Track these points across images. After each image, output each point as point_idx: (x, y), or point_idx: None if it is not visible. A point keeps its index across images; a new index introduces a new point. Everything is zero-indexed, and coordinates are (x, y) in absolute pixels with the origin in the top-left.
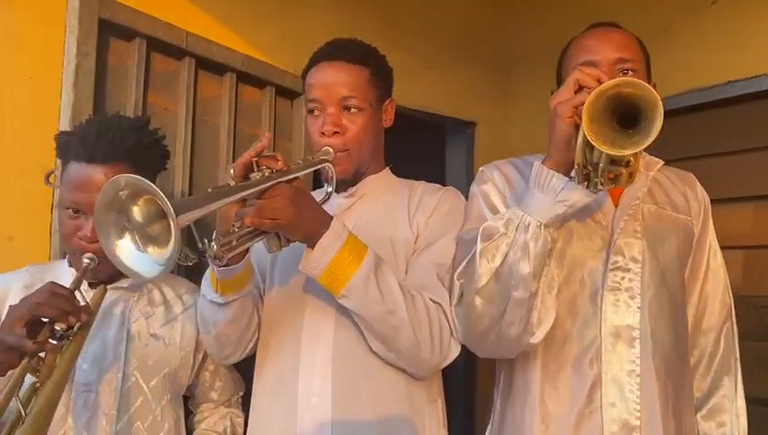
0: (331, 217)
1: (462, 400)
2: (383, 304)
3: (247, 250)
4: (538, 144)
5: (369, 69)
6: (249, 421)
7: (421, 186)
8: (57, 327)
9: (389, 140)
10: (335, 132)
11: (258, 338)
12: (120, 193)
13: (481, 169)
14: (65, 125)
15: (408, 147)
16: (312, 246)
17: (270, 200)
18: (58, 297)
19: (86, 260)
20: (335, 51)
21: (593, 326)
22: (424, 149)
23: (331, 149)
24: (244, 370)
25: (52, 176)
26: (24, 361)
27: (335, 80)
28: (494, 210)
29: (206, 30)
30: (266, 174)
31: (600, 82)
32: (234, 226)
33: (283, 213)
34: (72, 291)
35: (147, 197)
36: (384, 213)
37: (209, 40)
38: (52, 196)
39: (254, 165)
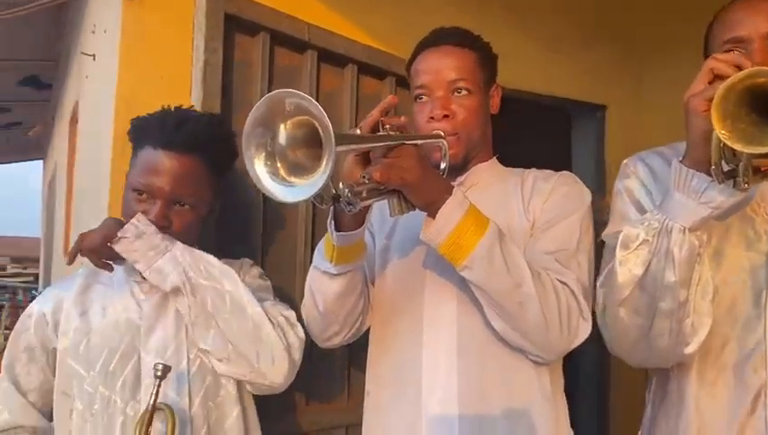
0: (453, 185)
1: (594, 398)
2: (509, 277)
3: (364, 217)
4: (676, 130)
5: (476, 52)
6: (365, 418)
7: (532, 172)
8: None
9: (512, 127)
10: (445, 116)
11: (362, 324)
12: (282, 110)
13: (624, 161)
14: None
15: (532, 134)
16: (432, 213)
17: (399, 158)
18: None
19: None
20: (441, 37)
21: (757, 330)
22: (548, 135)
23: (442, 133)
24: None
25: None
26: None
27: (443, 64)
28: (640, 208)
29: (327, 22)
30: (392, 134)
31: (739, 68)
32: (364, 177)
33: (410, 172)
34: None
35: (299, 119)
36: (497, 202)
37: (331, 32)
38: None
39: (380, 125)
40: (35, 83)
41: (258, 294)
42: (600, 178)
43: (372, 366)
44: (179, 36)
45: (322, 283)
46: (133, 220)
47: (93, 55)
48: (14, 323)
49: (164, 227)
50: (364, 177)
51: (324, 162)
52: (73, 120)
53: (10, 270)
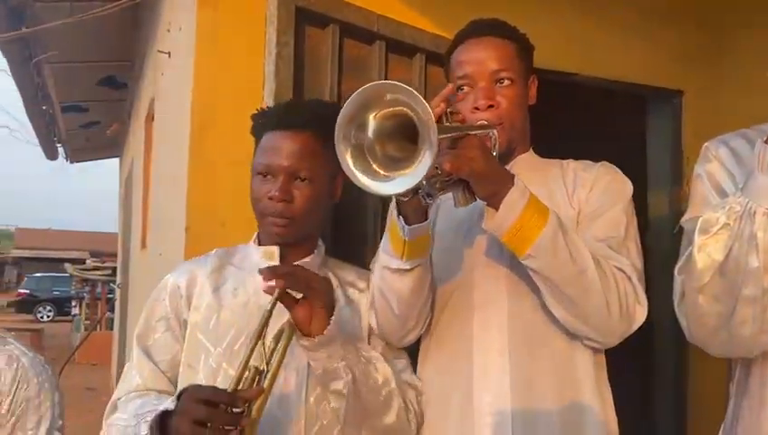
0: (514, 175)
1: (672, 391)
2: (572, 264)
3: (427, 211)
4: (759, 115)
5: (516, 43)
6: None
7: (572, 163)
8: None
9: (583, 116)
10: (489, 106)
11: (430, 317)
12: (387, 96)
13: (705, 145)
14: None
15: (604, 122)
16: (495, 203)
17: (466, 149)
18: (214, 413)
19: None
20: (481, 28)
21: None
22: (622, 123)
23: (486, 123)
24: None
25: None
26: None
27: (485, 54)
28: (721, 193)
29: (395, 11)
30: (455, 125)
31: None
32: (437, 168)
33: (478, 163)
34: (231, 396)
35: (390, 111)
36: (541, 192)
37: (399, 21)
38: None
39: (444, 116)
40: (112, 83)
41: (389, 353)
42: (676, 167)
43: (423, 355)
44: (252, 31)
45: (395, 282)
46: (328, 330)
47: (169, 53)
48: (93, 314)
49: (286, 200)
50: (437, 168)
51: (424, 153)
52: (149, 118)
53: (89, 264)
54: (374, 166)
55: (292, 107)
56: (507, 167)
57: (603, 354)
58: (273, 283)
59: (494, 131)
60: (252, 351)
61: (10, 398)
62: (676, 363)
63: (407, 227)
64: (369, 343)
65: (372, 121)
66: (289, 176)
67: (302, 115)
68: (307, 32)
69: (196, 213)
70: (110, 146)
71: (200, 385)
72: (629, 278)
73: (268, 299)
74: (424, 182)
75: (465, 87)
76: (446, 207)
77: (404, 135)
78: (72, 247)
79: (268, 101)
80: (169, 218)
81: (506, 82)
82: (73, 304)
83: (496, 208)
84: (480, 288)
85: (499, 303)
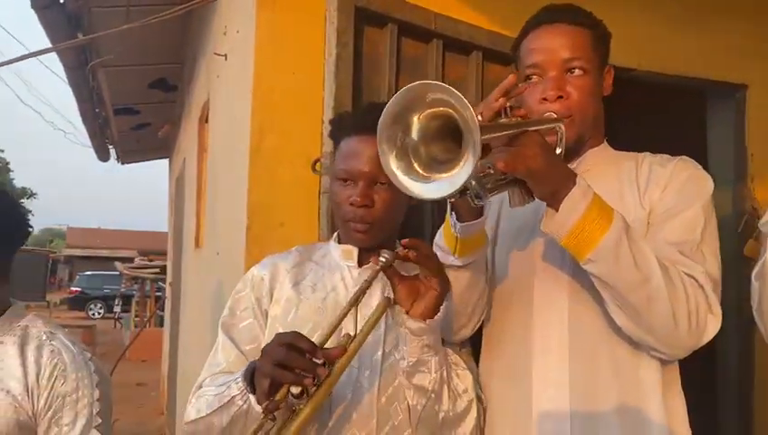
0: (576, 174)
1: (737, 398)
2: (636, 271)
3: (483, 209)
4: None
5: (591, 31)
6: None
7: (647, 157)
8: (294, 390)
9: (642, 112)
10: (558, 97)
11: (485, 314)
12: (428, 97)
13: None
14: (328, 114)
15: (664, 118)
16: (555, 203)
17: (523, 147)
18: (295, 358)
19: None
20: (554, 14)
21: None
22: (682, 120)
23: (555, 115)
24: None
25: (318, 164)
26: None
27: (557, 42)
28: None
29: (451, 9)
30: (513, 121)
31: None
32: (489, 168)
33: (535, 161)
34: (313, 345)
35: (433, 111)
36: (611, 190)
37: (456, 19)
38: (319, 183)
39: (503, 111)
40: (163, 86)
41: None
42: (740, 165)
43: (485, 356)
44: (311, 32)
45: (449, 276)
46: (439, 314)
47: (225, 55)
48: (142, 311)
49: (366, 205)
50: (488, 167)
51: (467, 156)
52: (202, 119)
53: (137, 262)
54: (417, 167)
55: (370, 111)
56: (576, 162)
57: (676, 365)
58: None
59: (561, 125)
60: (344, 316)
61: (47, 392)
62: (739, 368)
63: (458, 224)
64: None
65: (417, 122)
66: (369, 181)
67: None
68: (366, 32)
69: (257, 213)
70: (160, 147)
71: (286, 332)
72: (702, 287)
73: (345, 296)
74: (473, 183)
75: (534, 76)
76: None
77: (451, 136)
78: (120, 246)
79: (328, 102)
80: (228, 218)
81: (578, 72)
82: (116, 301)
83: (556, 209)
84: (541, 292)
85: (560, 308)
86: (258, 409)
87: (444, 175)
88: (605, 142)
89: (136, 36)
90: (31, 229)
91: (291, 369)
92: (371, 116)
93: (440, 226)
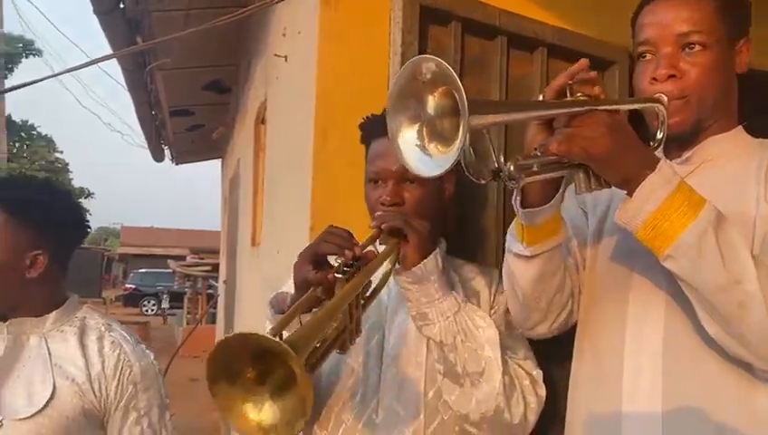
0: (659, 159)
1: None
2: (724, 271)
3: (557, 192)
4: None
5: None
6: (569, 404)
7: None
8: (336, 262)
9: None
10: (670, 76)
11: (570, 314)
12: (420, 78)
13: None
14: None
15: None
16: (631, 191)
17: (581, 127)
18: (333, 235)
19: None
20: None
21: None
22: None
23: (665, 97)
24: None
25: None
26: (310, 291)
27: (672, 15)
28: None
29: (516, 5)
30: (578, 99)
31: None
32: (537, 150)
33: (596, 143)
34: (348, 231)
35: (444, 88)
36: (732, 185)
37: (520, 15)
38: None
39: (568, 91)
40: (217, 87)
41: (508, 340)
42: None
43: (577, 355)
44: (374, 32)
45: (517, 267)
46: (420, 266)
47: (285, 57)
48: (194, 308)
49: (397, 203)
50: (536, 149)
51: (459, 134)
52: (258, 120)
53: (189, 260)
54: (425, 142)
55: None
56: (692, 150)
57: None
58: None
59: (660, 107)
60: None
61: (115, 382)
62: None
63: (521, 209)
64: None
65: (431, 99)
66: (398, 179)
67: None
68: (430, 30)
69: (320, 213)
70: (213, 148)
71: None
72: None
73: (387, 295)
74: (507, 164)
75: (647, 54)
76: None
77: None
78: (171, 244)
79: None
80: (289, 218)
81: (697, 48)
82: (164, 297)
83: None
84: (636, 300)
85: (655, 316)
86: None
87: (441, 152)
88: (739, 128)
89: (194, 40)
90: (89, 229)
91: (331, 242)
92: None
93: (506, 221)
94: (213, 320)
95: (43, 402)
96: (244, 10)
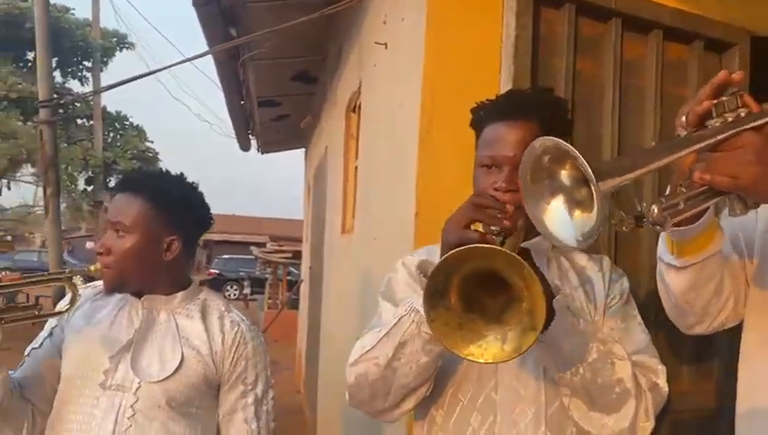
0: None
1: None
2: None
3: (702, 214)
4: None
5: None
6: (739, 384)
7: None
8: (493, 227)
9: None
10: None
11: (733, 311)
12: (543, 158)
13: None
14: None
15: None
16: None
17: (727, 154)
18: (489, 203)
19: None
20: None
21: None
22: None
23: None
24: None
25: None
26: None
27: None
28: None
29: None
30: (729, 120)
31: None
32: (681, 185)
33: (744, 170)
34: (495, 198)
35: (571, 160)
36: None
37: None
38: None
39: (713, 110)
40: (304, 78)
41: (625, 321)
42: None
43: (740, 367)
44: (484, 17)
45: (668, 274)
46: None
47: (385, 44)
48: (275, 293)
49: (512, 190)
50: (681, 185)
51: (595, 202)
52: (350, 108)
53: (269, 247)
54: (569, 211)
55: (510, 96)
56: None
57: None
58: None
59: None
60: None
61: (232, 355)
62: None
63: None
64: (602, 324)
65: (563, 171)
66: (515, 166)
67: (521, 102)
68: (542, 13)
69: (425, 200)
70: (298, 137)
71: None
72: None
73: None
74: (654, 209)
75: None
76: None
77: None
78: (253, 232)
79: (506, 86)
80: (388, 206)
81: None
82: (246, 283)
83: None
84: None
85: None
86: (426, 329)
87: (582, 218)
88: None
89: (287, 31)
90: (213, 220)
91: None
92: (515, 101)
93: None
94: (293, 306)
95: (174, 368)
96: (333, 7)
